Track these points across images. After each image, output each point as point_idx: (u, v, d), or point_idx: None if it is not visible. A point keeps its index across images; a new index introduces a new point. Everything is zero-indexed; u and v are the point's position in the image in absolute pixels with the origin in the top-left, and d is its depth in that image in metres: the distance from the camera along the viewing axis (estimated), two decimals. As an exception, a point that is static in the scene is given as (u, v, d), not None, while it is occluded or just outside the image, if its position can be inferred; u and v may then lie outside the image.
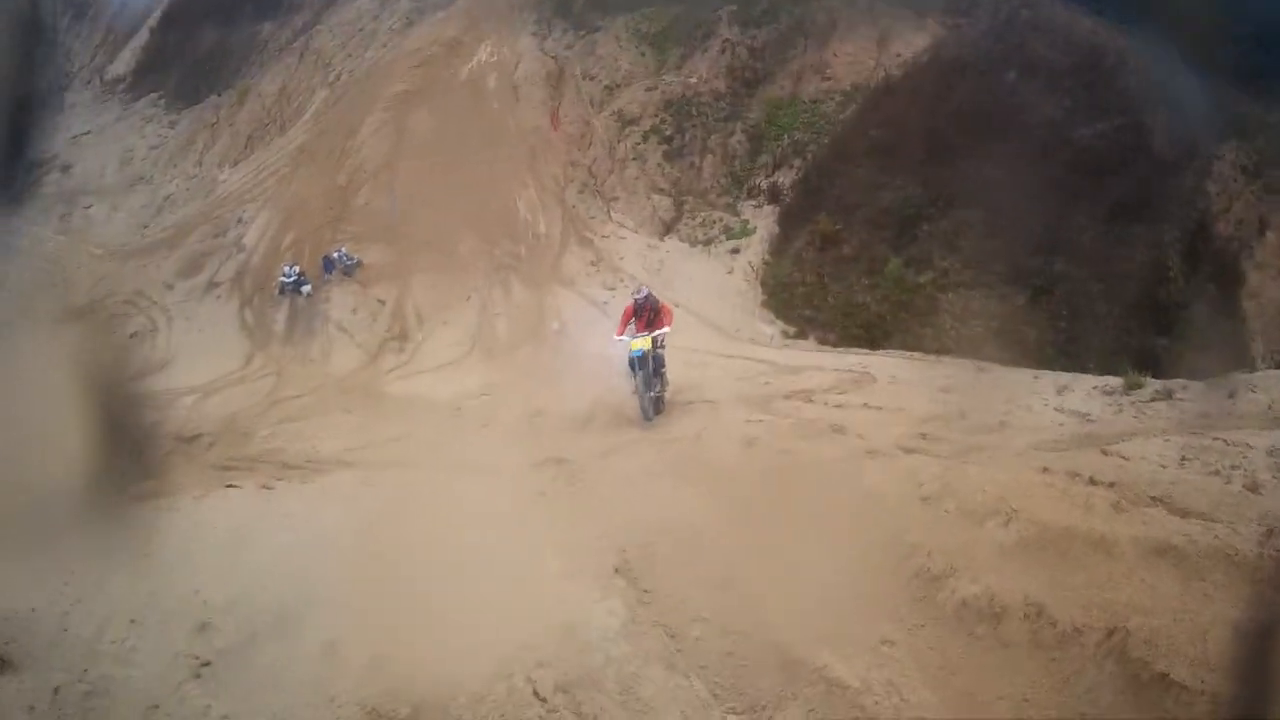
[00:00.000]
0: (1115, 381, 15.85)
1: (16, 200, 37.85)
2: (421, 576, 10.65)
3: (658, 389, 16.00)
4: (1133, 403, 14.79)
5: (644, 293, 16.50)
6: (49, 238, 35.07)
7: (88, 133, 44.77)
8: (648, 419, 15.72)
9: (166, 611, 10.34)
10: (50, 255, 33.62)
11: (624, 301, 19.87)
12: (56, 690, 7.51)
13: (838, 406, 16.02)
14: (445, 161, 30.40)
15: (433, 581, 10.56)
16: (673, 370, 18.19)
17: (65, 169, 41.16)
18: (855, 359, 19.75)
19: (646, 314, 16.01)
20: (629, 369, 15.84)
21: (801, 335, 22.55)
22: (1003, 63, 26.99)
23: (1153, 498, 9.77)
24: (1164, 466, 10.61)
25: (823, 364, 19.40)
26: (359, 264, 26.98)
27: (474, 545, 11.40)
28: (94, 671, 8.30)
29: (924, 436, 13.58)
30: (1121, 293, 21.32)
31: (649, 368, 15.76)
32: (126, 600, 10.55)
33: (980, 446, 12.92)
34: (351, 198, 30.12)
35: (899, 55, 29.28)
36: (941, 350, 20.48)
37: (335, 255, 27.07)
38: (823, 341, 22.02)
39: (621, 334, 16.04)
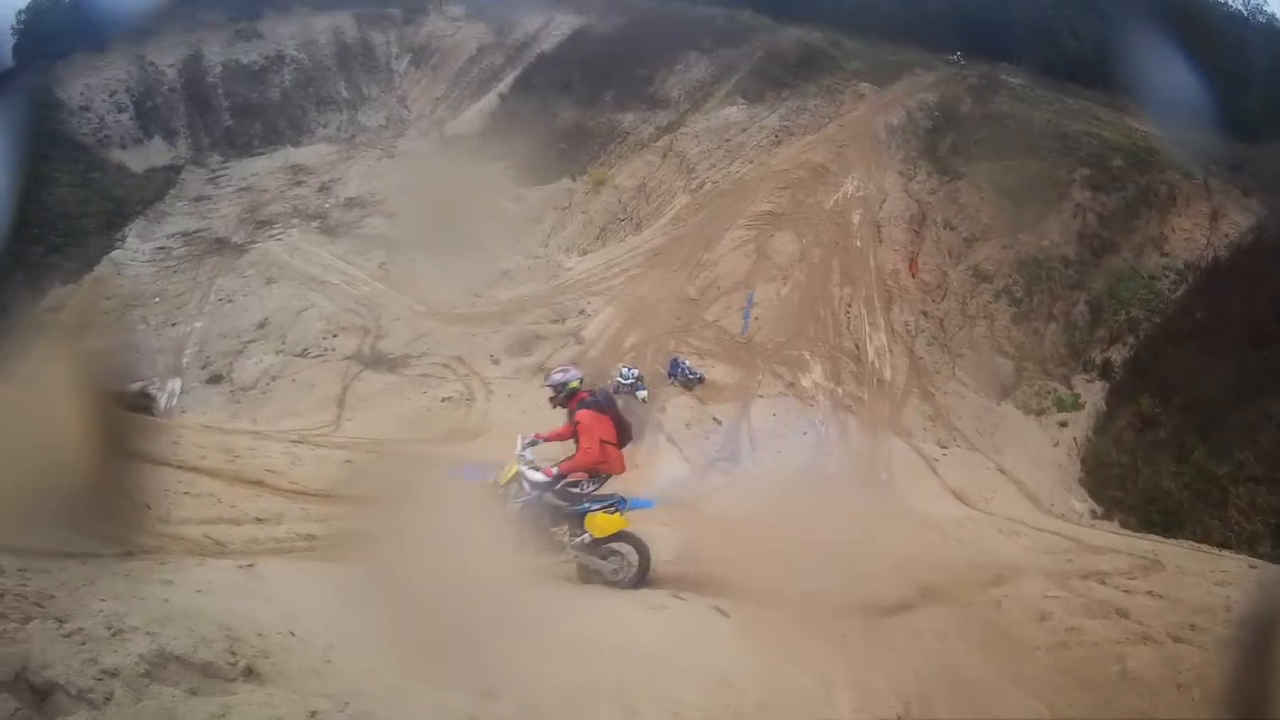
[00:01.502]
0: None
1: (330, 233, 43.59)
2: (708, 704, 12.37)
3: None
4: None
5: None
6: (364, 280, 39.76)
7: (422, 184, 48.77)
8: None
9: (450, 672, 10.83)
10: (363, 298, 37.94)
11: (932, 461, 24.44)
12: (313, 714, 8.12)
13: (1126, 591, 18.24)
14: (803, 291, 34.12)
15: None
16: (993, 539, 21.88)
17: (392, 216, 46.28)
18: (1149, 545, 22.16)
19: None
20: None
21: (1107, 516, 25.28)
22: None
23: None
24: None
25: (1120, 547, 21.78)
26: (701, 379, 29.15)
27: (776, 673, 13.51)
28: (357, 706, 8.72)
29: (1193, 628, 15.74)
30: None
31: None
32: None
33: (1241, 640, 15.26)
34: (702, 311, 33.59)
35: (1227, 235, 33.10)
36: (1224, 544, 23.06)
37: (682, 365, 29.38)
38: (1124, 524, 24.57)
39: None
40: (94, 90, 56.73)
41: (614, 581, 14.60)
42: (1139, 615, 16.57)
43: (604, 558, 14.50)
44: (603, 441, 14.08)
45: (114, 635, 8.75)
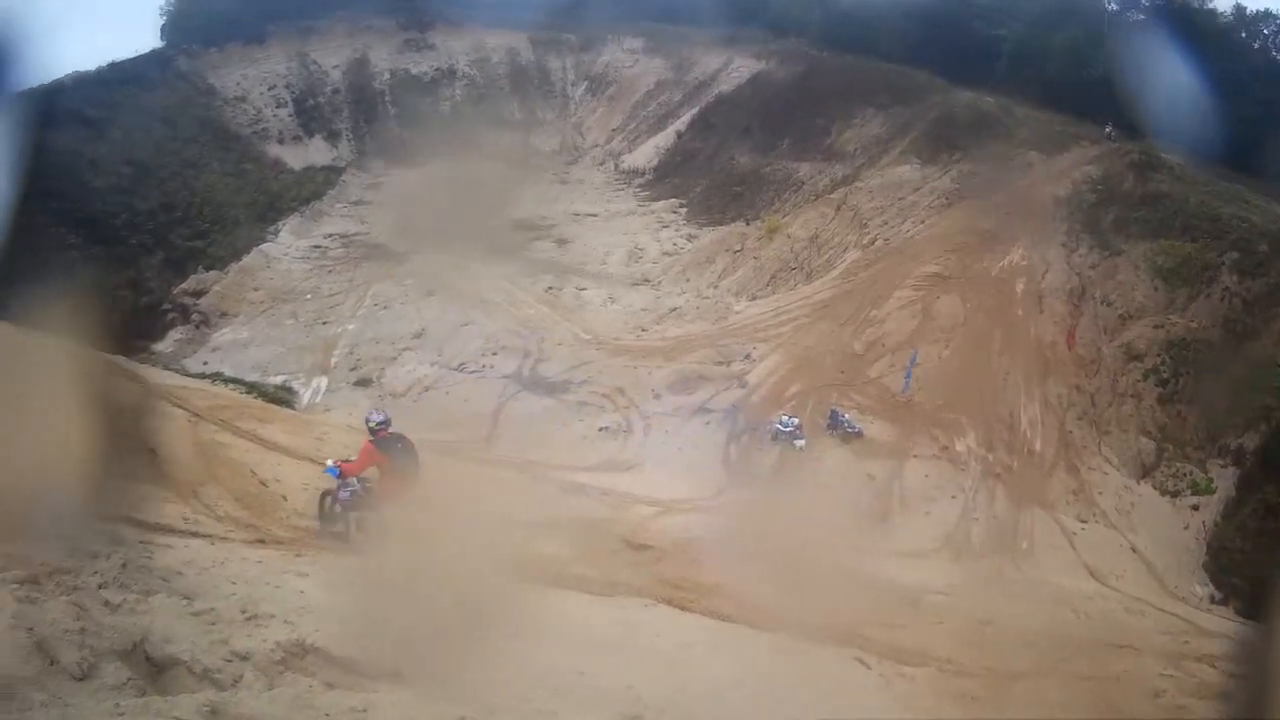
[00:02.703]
0: None
1: (497, 252, 43.96)
2: None
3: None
4: None
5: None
6: (529, 302, 41.52)
7: (594, 215, 52.09)
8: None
9: (595, 692, 11.29)
10: (527, 320, 39.56)
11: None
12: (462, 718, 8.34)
13: (1234, 675, 18.85)
14: (963, 355, 35.43)
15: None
16: (1119, 616, 22.95)
17: (562, 243, 48.63)
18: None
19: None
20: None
21: (1225, 602, 26.38)
22: None
23: None
24: None
25: (1233, 634, 22.53)
26: (859, 434, 30.35)
27: None
28: (501, 718, 9.15)
29: None
30: None
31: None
32: (552, 671, 11.58)
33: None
34: (865, 367, 34.13)
35: None
36: None
37: (842, 418, 30.62)
38: (1239, 611, 25.53)
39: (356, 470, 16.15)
40: (251, 82, 59.36)
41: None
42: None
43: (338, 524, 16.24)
44: (374, 466, 15.58)
45: (248, 620, 9.86)
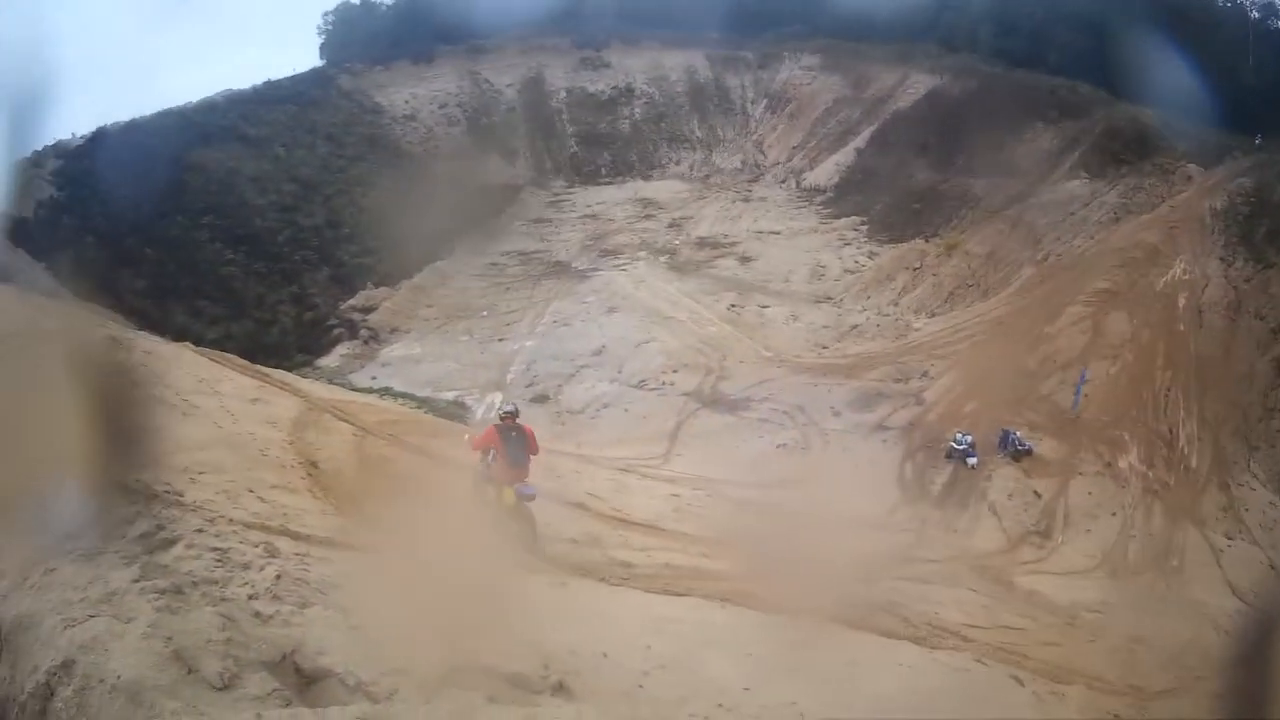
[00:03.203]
0: None
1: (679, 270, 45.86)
2: None
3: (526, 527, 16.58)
4: None
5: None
6: (712, 320, 42.78)
7: (777, 233, 53.76)
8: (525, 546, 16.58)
9: (760, 709, 11.29)
10: (709, 337, 40.77)
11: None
12: None
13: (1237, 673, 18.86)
14: (1130, 372, 36.16)
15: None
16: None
17: (745, 260, 50.10)
18: None
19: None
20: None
21: None
22: None
23: None
24: None
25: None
26: (1029, 451, 30.73)
27: None
28: None
29: None
30: None
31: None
32: (717, 688, 11.64)
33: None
34: (1038, 384, 34.76)
35: None
36: None
37: (1013, 436, 30.83)
38: None
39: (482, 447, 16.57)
40: (420, 100, 61.99)
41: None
42: None
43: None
44: (491, 446, 16.31)
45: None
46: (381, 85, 62.11)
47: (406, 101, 61.86)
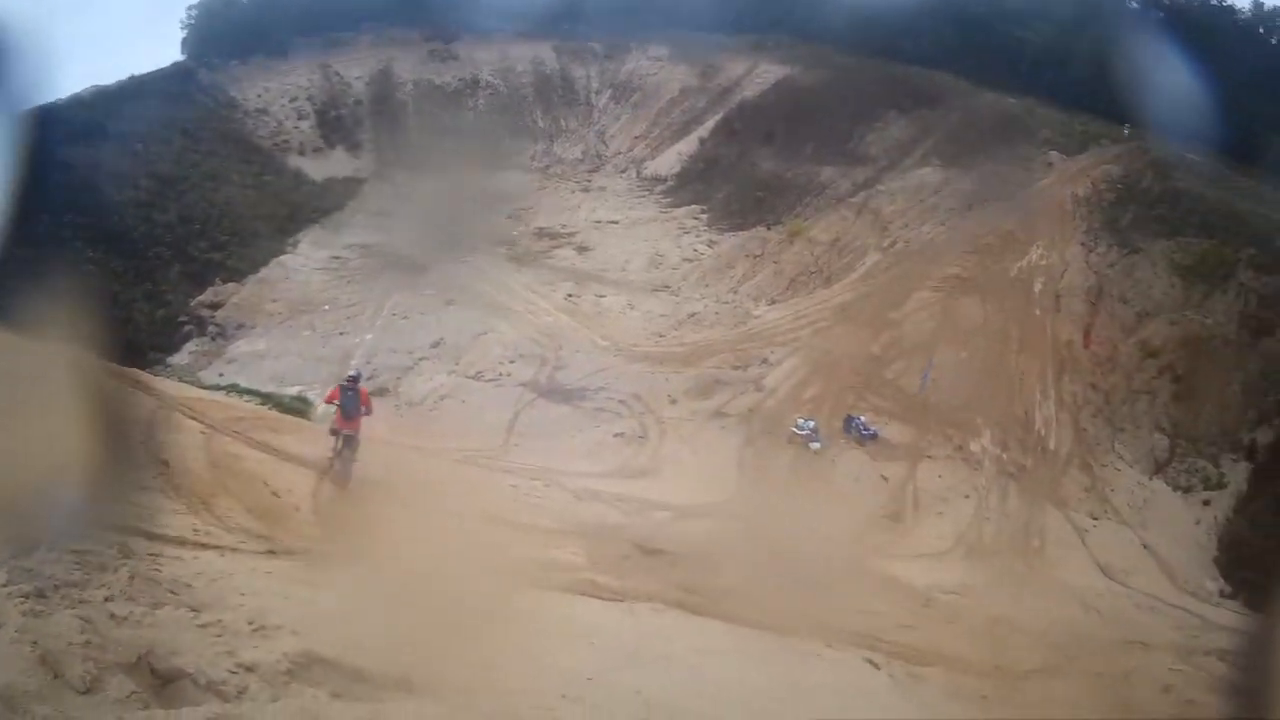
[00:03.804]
0: None
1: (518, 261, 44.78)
2: None
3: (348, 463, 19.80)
4: None
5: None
6: (549, 310, 41.09)
7: (615, 222, 51.45)
8: (338, 474, 19.67)
9: (606, 698, 11.64)
10: (546, 328, 39.16)
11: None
12: None
13: (1238, 670, 18.83)
14: (981, 356, 35.32)
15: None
16: (1129, 613, 23.07)
17: (583, 250, 48.12)
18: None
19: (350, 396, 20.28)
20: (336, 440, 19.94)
21: (1234, 596, 26.15)
22: None
23: None
24: None
25: (1242, 627, 22.67)
26: (875, 436, 30.55)
27: None
28: None
29: None
30: None
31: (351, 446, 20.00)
32: (564, 678, 11.96)
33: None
34: (883, 369, 34.56)
35: None
36: None
37: (857, 421, 30.71)
38: (1249, 604, 25.18)
39: (330, 401, 21.93)
40: (273, 94, 59.07)
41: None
42: None
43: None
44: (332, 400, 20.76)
45: (255, 631, 9.97)
46: (237, 79, 59.19)
47: (259, 95, 58.98)
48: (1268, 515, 28.77)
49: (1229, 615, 24.83)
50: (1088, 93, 51.22)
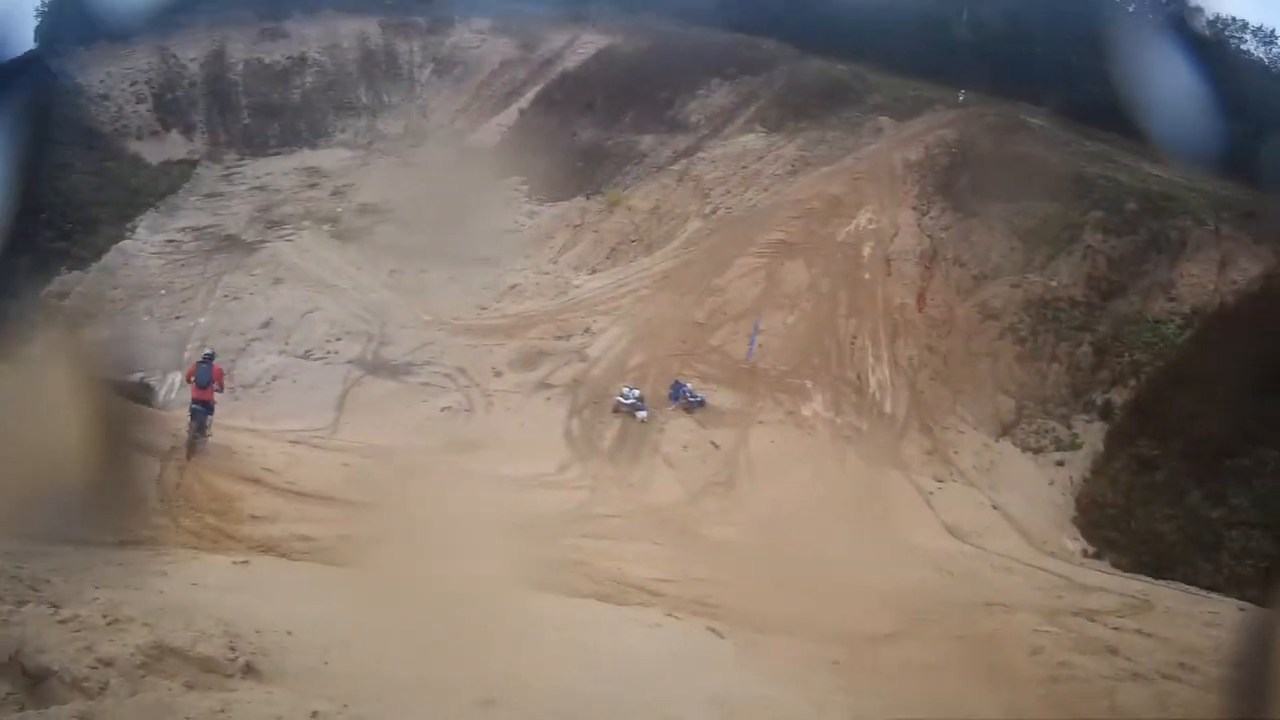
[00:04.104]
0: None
1: (341, 237, 44.26)
2: None
3: (202, 434, 21.76)
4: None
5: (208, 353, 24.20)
6: (373, 287, 40.48)
7: (436, 195, 48.48)
8: (192, 448, 21.41)
9: (448, 679, 11.12)
10: (370, 304, 38.63)
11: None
12: (315, 714, 8.19)
13: (1115, 629, 19.06)
14: (809, 320, 34.75)
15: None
16: (986, 574, 22.55)
17: (403, 225, 46.07)
18: (1140, 586, 22.97)
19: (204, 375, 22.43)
20: (190, 415, 21.98)
21: (1099, 556, 25.77)
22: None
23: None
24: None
25: (1111, 586, 22.66)
26: (703, 403, 29.95)
27: (771, 697, 13.88)
28: (356, 709, 8.87)
29: (1183, 666, 16.86)
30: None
31: (200, 418, 21.88)
32: (396, 657, 11.48)
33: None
34: (708, 336, 34.22)
35: (1234, 282, 33.57)
36: (1214, 587, 23.71)
37: (684, 388, 30.11)
38: (1116, 564, 25.11)
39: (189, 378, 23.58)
40: (114, 79, 57.47)
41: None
42: (1129, 653, 17.48)
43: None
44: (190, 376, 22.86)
45: (110, 625, 9.42)
46: (84, 65, 56.98)
47: (102, 81, 57.33)
48: (1128, 475, 28.19)
49: (1095, 575, 24.34)
50: (922, 59, 50.96)
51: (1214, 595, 23.23)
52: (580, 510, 23.47)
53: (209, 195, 50.99)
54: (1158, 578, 24.30)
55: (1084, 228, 36.90)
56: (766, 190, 44.22)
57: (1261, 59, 49.52)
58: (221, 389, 22.54)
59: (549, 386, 31.69)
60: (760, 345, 33.33)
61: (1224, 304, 33.03)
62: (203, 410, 21.66)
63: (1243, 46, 49.98)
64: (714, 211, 43.75)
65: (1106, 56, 40.92)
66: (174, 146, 55.50)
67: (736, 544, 22.88)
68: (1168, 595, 22.75)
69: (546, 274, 41.70)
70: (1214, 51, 48.53)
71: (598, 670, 13.02)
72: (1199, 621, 20.52)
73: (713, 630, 16.40)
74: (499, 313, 37.96)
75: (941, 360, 33.77)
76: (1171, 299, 34.02)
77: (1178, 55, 40.34)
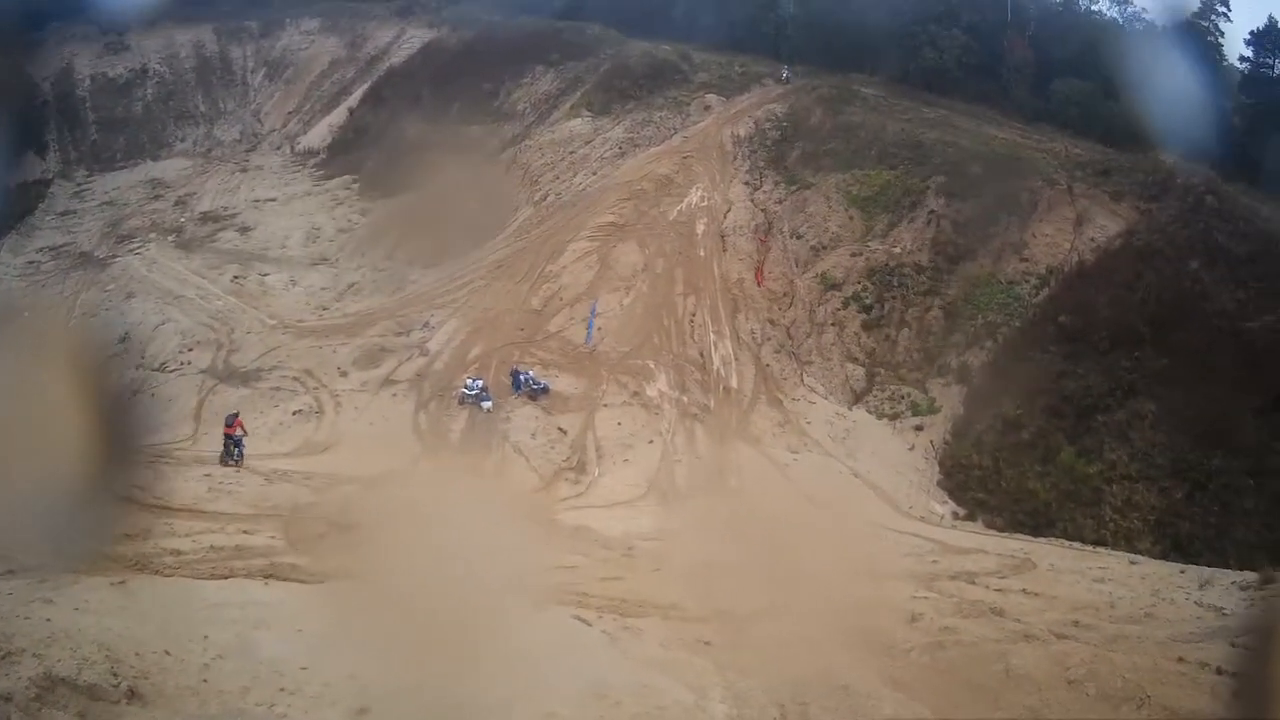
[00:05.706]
0: (1252, 576, 18.85)
1: (186, 247, 43.33)
2: (582, 716, 12.57)
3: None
4: (1264, 597, 17.68)
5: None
6: (218, 294, 39.41)
7: (273, 200, 49.61)
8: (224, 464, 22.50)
9: (324, 687, 11.45)
10: (217, 312, 37.70)
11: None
12: None
13: (999, 590, 18.65)
14: (646, 301, 34.00)
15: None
16: (852, 543, 21.32)
17: (244, 230, 45.96)
18: (1018, 544, 22.57)
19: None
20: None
21: (971, 518, 25.34)
22: (1188, 250, 30.70)
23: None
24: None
25: (988, 547, 22.21)
26: (546, 390, 29.73)
27: (648, 684, 13.56)
28: None
29: (1076, 624, 16.41)
30: (1273, 486, 24.27)
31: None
32: (276, 668, 11.78)
33: (1126, 635, 15.87)
34: (545, 322, 33.64)
35: (1093, 240, 33.00)
36: (1099, 541, 23.49)
37: (524, 376, 29.92)
38: (990, 525, 24.75)
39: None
40: None
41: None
42: (1016, 614, 16.89)
43: None
44: None
45: (3, 658, 9.82)
46: None
47: None
48: (993, 436, 27.94)
49: (970, 537, 23.83)
50: (748, 34, 50.78)
51: (1100, 550, 22.88)
52: (438, 502, 21.80)
53: (63, 214, 49.98)
54: (1036, 535, 23.95)
55: (925, 193, 36.22)
56: (595, 174, 43.44)
57: (1116, 19, 49.25)
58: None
59: (394, 383, 31.16)
60: (599, 328, 32.95)
61: (1082, 262, 32.64)
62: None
63: (1094, 7, 49.81)
64: (544, 198, 42.99)
65: (943, 22, 40.53)
66: (29, 167, 53.61)
67: (594, 528, 22.25)
68: (1050, 552, 22.27)
69: (383, 270, 40.71)
70: (1063, 13, 49.15)
71: (476, 667, 12.76)
72: (1088, 578, 20.05)
73: (579, 619, 16.03)
74: (340, 312, 37.41)
75: (785, 333, 33.14)
76: (1024, 260, 33.51)
77: (1023, 17, 40.19)
